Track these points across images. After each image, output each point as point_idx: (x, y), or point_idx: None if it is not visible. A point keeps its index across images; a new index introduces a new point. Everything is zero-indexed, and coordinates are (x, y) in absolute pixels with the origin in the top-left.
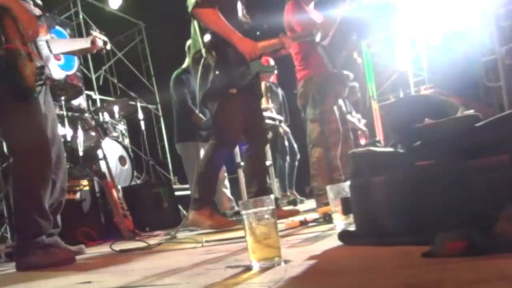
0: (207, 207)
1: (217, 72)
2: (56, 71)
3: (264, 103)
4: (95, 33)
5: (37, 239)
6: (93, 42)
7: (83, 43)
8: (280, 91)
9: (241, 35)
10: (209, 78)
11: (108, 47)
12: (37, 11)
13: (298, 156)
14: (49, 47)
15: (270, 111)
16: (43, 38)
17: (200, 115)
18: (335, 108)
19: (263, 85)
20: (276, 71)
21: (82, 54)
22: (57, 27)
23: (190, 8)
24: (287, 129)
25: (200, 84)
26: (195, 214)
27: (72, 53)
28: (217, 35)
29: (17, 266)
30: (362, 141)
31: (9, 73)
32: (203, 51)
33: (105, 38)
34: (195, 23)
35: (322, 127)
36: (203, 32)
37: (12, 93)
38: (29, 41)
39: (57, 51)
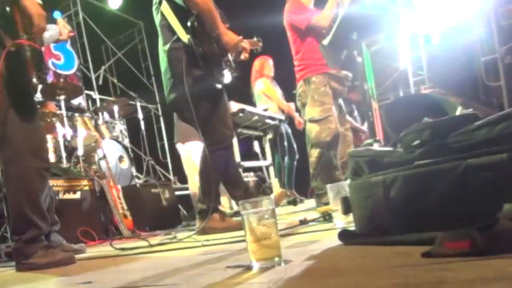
0: (215, 213)
1: (205, 65)
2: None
3: (272, 99)
4: (60, 19)
5: (37, 239)
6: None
7: (56, 31)
8: (279, 90)
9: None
10: (194, 73)
11: (72, 34)
12: None
13: (297, 156)
14: (41, 40)
15: (271, 109)
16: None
17: None
18: (333, 108)
19: (262, 81)
20: (272, 73)
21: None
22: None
23: None
24: (289, 129)
25: (180, 77)
26: (205, 223)
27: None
28: (200, 22)
29: (17, 266)
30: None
31: (18, 69)
32: (187, 38)
33: (69, 27)
34: (167, 8)
35: (321, 127)
36: (182, 18)
37: (18, 90)
38: (36, 36)
39: (45, 44)
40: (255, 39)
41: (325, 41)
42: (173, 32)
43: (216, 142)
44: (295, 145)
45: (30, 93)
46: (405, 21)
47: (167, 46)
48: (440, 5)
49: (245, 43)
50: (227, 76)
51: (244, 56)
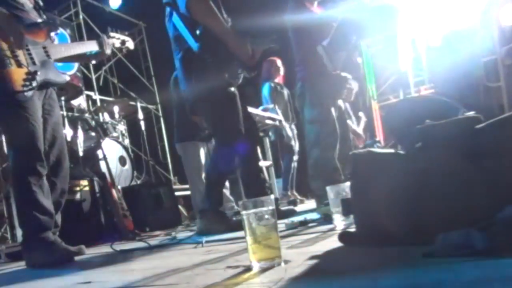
0: (216, 213)
1: (215, 70)
2: (55, 75)
3: (269, 101)
4: (112, 33)
5: (41, 235)
6: (101, 44)
7: (88, 46)
8: (286, 91)
9: (234, 33)
10: (204, 77)
11: (131, 46)
12: (37, 17)
13: (296, 157)
14: (47, 52)
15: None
16: (40, 44)
17: None
18: (332, 109)
19: (267, 86)
20: (282, 73)
21: (91, 60)
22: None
23: (184, 1)
24: (289, 130)
25: (193, 83)
26: (205, 223)
27: (78, 59)
28: (208, 30)
29: (26, 263)
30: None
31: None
32: (196, 46)
33: (124, 37)
34: (177, 19)
35: (319, 128)
36: (191, 27)
37: (2, 97)
38: (16, 48)
39: (56, 57)
40: (272, 36)
41: (325, 42)
42: (185, 42)
43: (225, 143)
44: (293, 146)
45: (17, 99)
46: (405, 23)
47: (180, 55)
48: (441, 7)
49: (256, 46)
50: (239, 79)
51: (253, 59)
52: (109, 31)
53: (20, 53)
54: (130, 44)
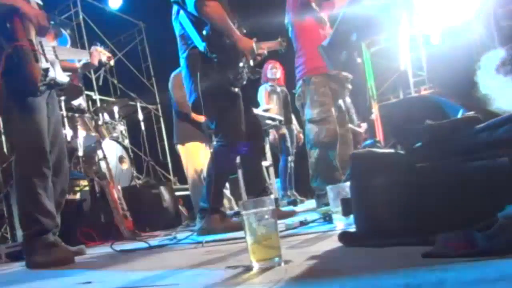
0: (216, 213)
1: (219, 69)
2: (61, 76)
3: (264, 103)
4: (98, 47)
5: (41, 237)
6: (91, 55)
7: (83, 55)
8: (281, 93)
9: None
10: (208, 76)
11: (112, 62)
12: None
13: (290, 158)
14: (55, 52)
15: (271, 111)
16: (50, 44)
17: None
18: (332, 109)
19: (264, 87)
20: (279, 75)
21: (84, 70)
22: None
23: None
24: (285, 131)
25: (197, 82)
26: (205, 222)
27: (73, 69)
28: (215, 30)
29: (26, 264)
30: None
31: (16, 71)
32: (202, 46)
33: (109, 54)
34: (184, 17)
35: (320, 128)
36: (198, 26)
37: (16, 90)
38: (41, 34)
39: (62, 58)
40: (279, 39)
41: (325, 42)
42: (191, 41)
43: (226, 143)
44: (290, 148)
45: (31, 94)
46: (405, 22)
47: (185, 53)
48: (440, 5)
49: (261, 48)
50: (244, 79)
51: (257, 58)
52: (97, 45)
53: (37, 49)
54: (112, 62)
